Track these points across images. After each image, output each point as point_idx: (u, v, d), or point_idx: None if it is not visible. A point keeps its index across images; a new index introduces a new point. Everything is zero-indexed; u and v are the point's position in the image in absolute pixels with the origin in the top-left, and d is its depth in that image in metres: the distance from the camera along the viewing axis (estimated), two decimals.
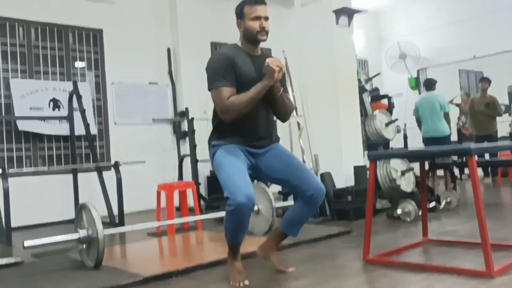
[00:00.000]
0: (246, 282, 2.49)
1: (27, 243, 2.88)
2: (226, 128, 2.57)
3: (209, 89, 2.55)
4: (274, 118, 2.74)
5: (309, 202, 2.57)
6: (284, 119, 2.73)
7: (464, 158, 5.54)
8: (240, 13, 2.61)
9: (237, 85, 2.52)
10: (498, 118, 7.50)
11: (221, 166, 2.50)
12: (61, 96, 5.98)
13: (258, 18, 2.55)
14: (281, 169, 2.61)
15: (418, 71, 9.32)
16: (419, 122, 6.92)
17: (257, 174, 2.71)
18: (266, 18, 2.58)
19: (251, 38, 2.59)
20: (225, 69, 2.50)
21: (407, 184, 4.78)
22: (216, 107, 2.54)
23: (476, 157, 2.58)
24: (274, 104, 2.63)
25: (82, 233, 2.97)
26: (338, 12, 4.86)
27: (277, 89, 2.56)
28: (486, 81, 7.43)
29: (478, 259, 2.61)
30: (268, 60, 2.48)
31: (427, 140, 6.82)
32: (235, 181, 2.37)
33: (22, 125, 5.62)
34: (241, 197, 2.30)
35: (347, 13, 4.94)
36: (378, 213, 4.66)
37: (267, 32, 2.59)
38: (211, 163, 2.65)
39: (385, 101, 6.58)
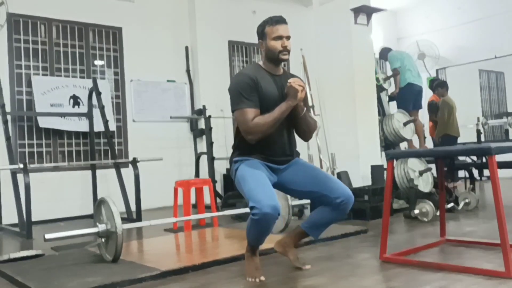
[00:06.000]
0: (262, 278, 2.50)
1: (48, 236, 2.93)
2: (248, 147, 2.56)
3: (233, 111, 2.54)
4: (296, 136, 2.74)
5: (338, 209, 2.54)
6: (307, 138, 2.73)
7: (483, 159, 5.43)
8: (261, 33, 2.61)
9: (260, 105, 2.51)
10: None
11: (244, 179, 2.47)
12: (81, 93, 6.07)
13: (279, 37, 2.55)
14: (307, 181, 2.58)
15: (437, 70, 9.20)
16: None
17: (280, 190, 2.68)
18: (288, 37, 2.57)
19: (273, 58, 2.59)
20: (248, 90, 2.49)
21: (425, 184, 4.74)
22: (240, 128, 2.53)
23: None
24: (298, 123, 2.63)
25: (101, 227, 3.02)
26: (357, 11, 4.83)
27: (301, 108, 2.56)
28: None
29: (497, 260, 2.57)
30: (290, 80, 2.49)
31: None
32: (260, 192, 2.34)
33: (43, 122, 5.72)
34: (267, 208, 2.26)
35: (366, 11, 4.91)
36: (395, 213, 4.63)
37: (289, 51, 2.59)
38: (233, 180, 2.61)
39: None
